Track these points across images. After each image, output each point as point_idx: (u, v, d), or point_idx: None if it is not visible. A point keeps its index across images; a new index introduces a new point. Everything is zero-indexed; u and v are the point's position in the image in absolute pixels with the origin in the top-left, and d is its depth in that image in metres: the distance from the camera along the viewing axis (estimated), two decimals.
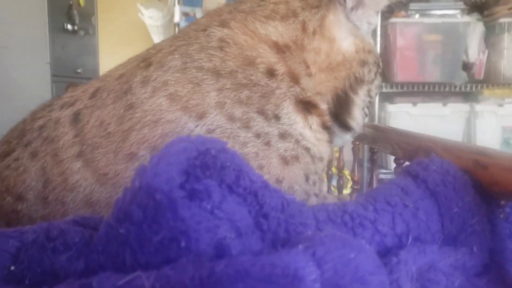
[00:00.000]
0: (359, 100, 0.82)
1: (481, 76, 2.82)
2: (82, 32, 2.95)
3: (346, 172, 2.20)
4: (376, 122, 2.82)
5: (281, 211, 0.49)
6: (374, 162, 1.03)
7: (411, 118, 2.77)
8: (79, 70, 2.95)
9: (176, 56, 0.74)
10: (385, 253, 0.46)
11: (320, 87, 0.77)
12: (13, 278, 0.43)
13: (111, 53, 3.43)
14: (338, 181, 1.65)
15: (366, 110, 0.86)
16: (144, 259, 0.39)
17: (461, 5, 2.79)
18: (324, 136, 0.78)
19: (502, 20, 2.72)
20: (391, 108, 2.77)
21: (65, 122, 0.74)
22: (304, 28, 0.76)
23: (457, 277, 0.44)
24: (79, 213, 0.69)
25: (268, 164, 0.69)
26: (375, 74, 0.83)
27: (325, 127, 0.78)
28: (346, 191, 1.82)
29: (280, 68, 0.73)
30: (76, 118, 0.73)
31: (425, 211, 0.50)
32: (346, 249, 0.37)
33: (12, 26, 2.45)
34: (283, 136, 0.71)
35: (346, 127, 0.83)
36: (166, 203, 0.39)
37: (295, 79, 0.74)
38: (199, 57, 0.73)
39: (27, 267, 0.42)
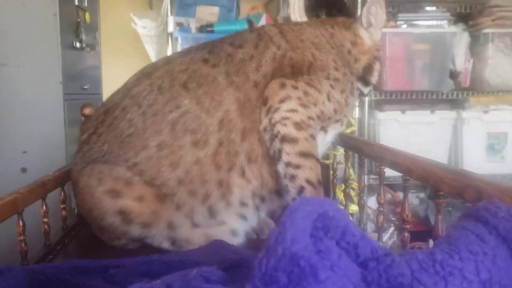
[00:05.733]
0: (378, 67, 1.47)
1: (467, 84, 2.93)
2: (88, 49, 2.90)
3: (354, 184, 2.27)
4: (365, 129, 2.90)
5: (376, 261, 0.55)
6: (406, 189, 1.06)
7: (399, 125, 2.86)
8: (85, 87, 2.87)
9: (313, 29, 1.40)
10: None
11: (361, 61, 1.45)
12: None
13: (113, 67, 3.40)
14: (344, 190, 1.78)
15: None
16: None
17: (448, 15, 2.89)
18: None
19: (486, 30, 2.85)
20: (380, 115, 2.85)
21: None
22: (355, 34, 1.46)
23: None
24: None
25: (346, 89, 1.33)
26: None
27: None
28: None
29: (354, 51, 1.44)
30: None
31: (501, 257, 0.56)
32: None
33: (24, 46, 2.39)
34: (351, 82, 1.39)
35: (368, 83, 1.46)
36: (309, 269, 0.44)
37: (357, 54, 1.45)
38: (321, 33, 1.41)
39: None
